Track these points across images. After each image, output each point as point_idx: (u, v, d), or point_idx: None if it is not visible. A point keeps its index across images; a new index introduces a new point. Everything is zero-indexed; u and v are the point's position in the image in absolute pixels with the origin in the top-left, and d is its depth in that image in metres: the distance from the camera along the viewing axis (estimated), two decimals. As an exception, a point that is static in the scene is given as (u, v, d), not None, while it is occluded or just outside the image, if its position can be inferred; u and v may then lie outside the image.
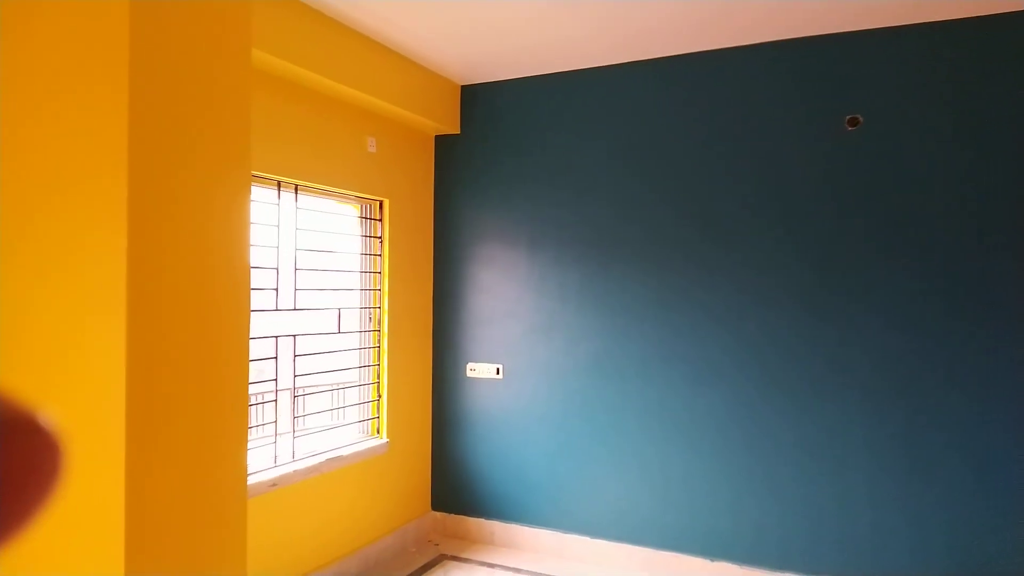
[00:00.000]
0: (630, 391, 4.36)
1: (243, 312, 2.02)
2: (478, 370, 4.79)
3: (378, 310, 4.55)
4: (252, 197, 2.36)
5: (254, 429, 3.68)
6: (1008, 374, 3.57)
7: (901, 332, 3.75)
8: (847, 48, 3.87)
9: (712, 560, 4.14)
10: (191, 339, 1.88)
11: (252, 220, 2.12)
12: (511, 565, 4.40)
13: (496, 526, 4.72)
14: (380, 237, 4.55)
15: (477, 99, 4.85)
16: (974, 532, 3.62)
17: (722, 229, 4.14)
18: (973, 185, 3.63)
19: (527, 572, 4.30)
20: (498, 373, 4.73)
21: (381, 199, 4.53)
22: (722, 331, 4.13)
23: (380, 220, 4.55)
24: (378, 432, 4.54)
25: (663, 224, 4.28)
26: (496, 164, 4.78)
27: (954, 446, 3.66)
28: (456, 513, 4.88)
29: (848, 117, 3.86)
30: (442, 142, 4.97)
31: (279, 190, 3.79)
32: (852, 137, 3.86)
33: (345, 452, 4.14)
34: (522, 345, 4.67)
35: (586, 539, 4.47)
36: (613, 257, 4.40)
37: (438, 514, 4.93)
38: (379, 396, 4.54)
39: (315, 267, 4.07)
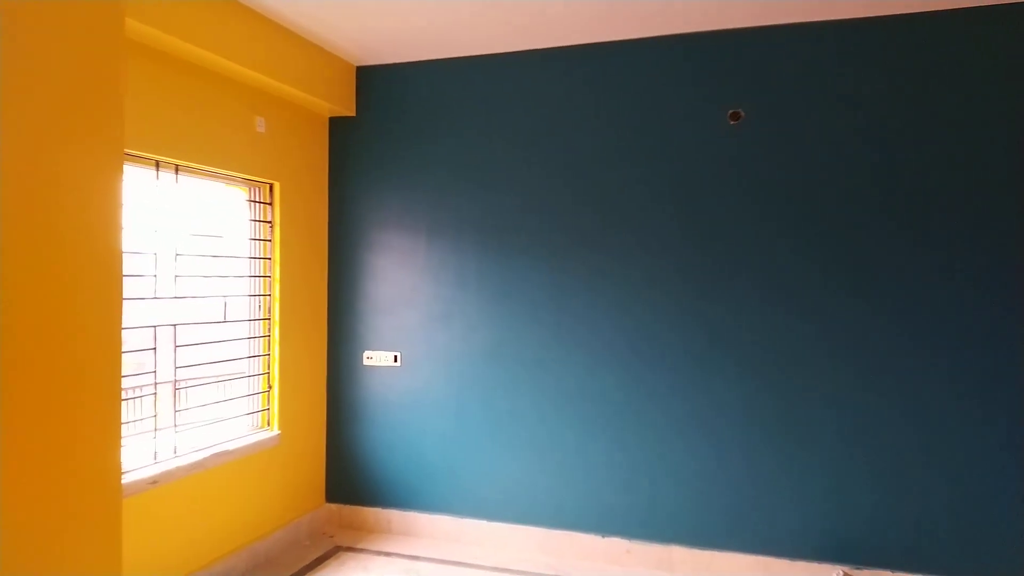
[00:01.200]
0: (527, 375, 4.39)
1: (113, 300, 1.89)
2: (375, 358, 4.71)
3: (268, 298, 4.38)
4: (126, 176, 2.21)
5: (131, 424, 3.48)
6: (883, 345, 3.81)
7: (781, 308, 3.95)
8: (732, 44, 4.01)
9: (604, 536, 4.24)
10: (54, 328, 1.74)
11: (125, 201, 1.98)
12: (408, 553, 4.36)
13: (393, 514, 4.67)
14: (270, 222, 4.38)
15: (374, 81, 4.73)
16: (852, 497, 3.86)
17: (616, 215, 4.22)
18: (847, 171, 3.84)
19: (424, 559, 4.27)
20: (396, 361, 4.66)
21: (271, 182, 4.35)
22: (616, 313, 4.22)
23: (270, 204, 4.38)
24: (269, 424, 4.39)
25: (561, 212, 4.32)
26: (394, 149, 4.68)
27: (832, 416, 3.89)
28: (352, 504, 4.79)
29: (730, 111, 4.00)
30: (337, 125, 4.82)
31: (158, 170, 3.57)
32: (735, 129, 4.00)
33: (233, 446, 3.98)
34: (420, 333, 4.61)
35: (483, 522, 4.48)
36: (512, 244, 4.41)
37: (334, 506, 4.83)
38: (270, 387, 4.38)
39: (199, 253, 3.88)
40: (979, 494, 3.68)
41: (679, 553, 4.11)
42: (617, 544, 4.23)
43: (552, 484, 4.36)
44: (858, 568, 3.83)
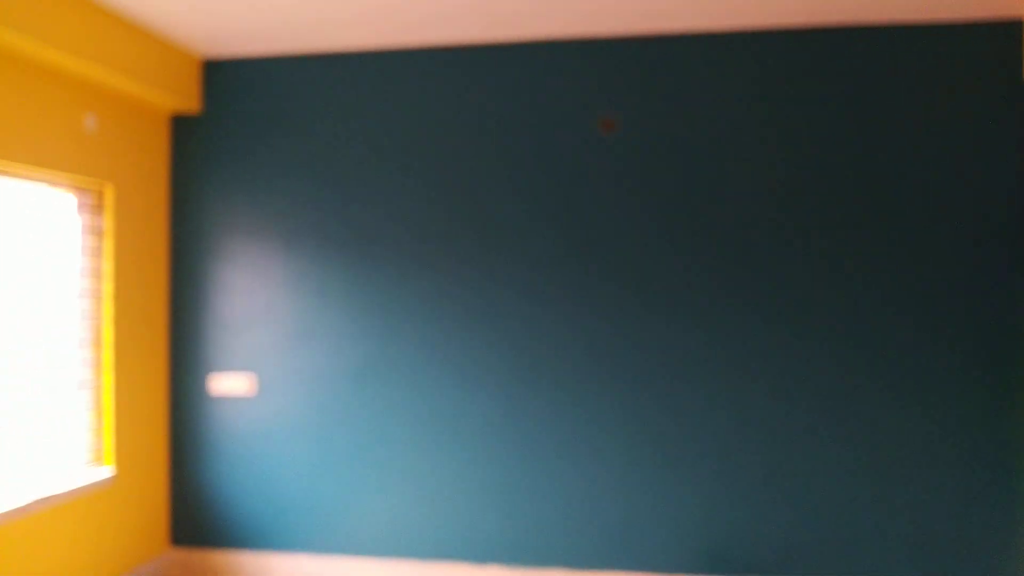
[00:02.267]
0: (397, 397, 4.11)
1: None
2: (226, 383, 4.26)
3: (98, 318, 3.85)
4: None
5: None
6: (755, 360, 3.85)
7: (659, 323, 3.91)
8: (609, 51, 3.96)
9: (482, 565, 4.03)
10: None
11: None
12: (267, 599, 3.95)
13: (248, 556, 4.23)
14: (101, 231, 3.86)
15: (224, 76, 4.31)
16: (725, 509, 3.86)
17: (492, 225, 4.05)
18: (723, 181, 3.87)
19: (286, 605, 3.88)
20: (249, 385, 4.24)
21: (102, 186, 3.84)
22: (492, 328, 4.04)
23: (101, 211, 3.86)
24: (101, 462, 3.85)
25: (433, 221, 4.10)
26: (247, 150, 4.27)
27: (705, 431, 3.88)
28: (201, 546, 4.30)
29: (605, 120, 3.94)
30: (181, 123, 4.35)
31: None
32: (611, 138, 3.95)
33: (57, 489, 3.43)
34: (277, 353, 4.22)
35: (350, 559, 4.14)
36: (380, 255, 4.13)
37: (179, 550, 4.31)
38: (101, 420, 3.84)
39: (10, 265, 3.32)
40: (842, 499, 3.78)
41: (559, 576, 3.97)
42: (496, 572, 4.02)
43: (426, 513, 4.10)
44: (734, 578, 3.85)
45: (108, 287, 3.85)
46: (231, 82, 4.30)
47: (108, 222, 3.86)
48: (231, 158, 4.29)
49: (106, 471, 3.80)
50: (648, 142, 3.93)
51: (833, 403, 3.80)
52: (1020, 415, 3.68)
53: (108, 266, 3.85)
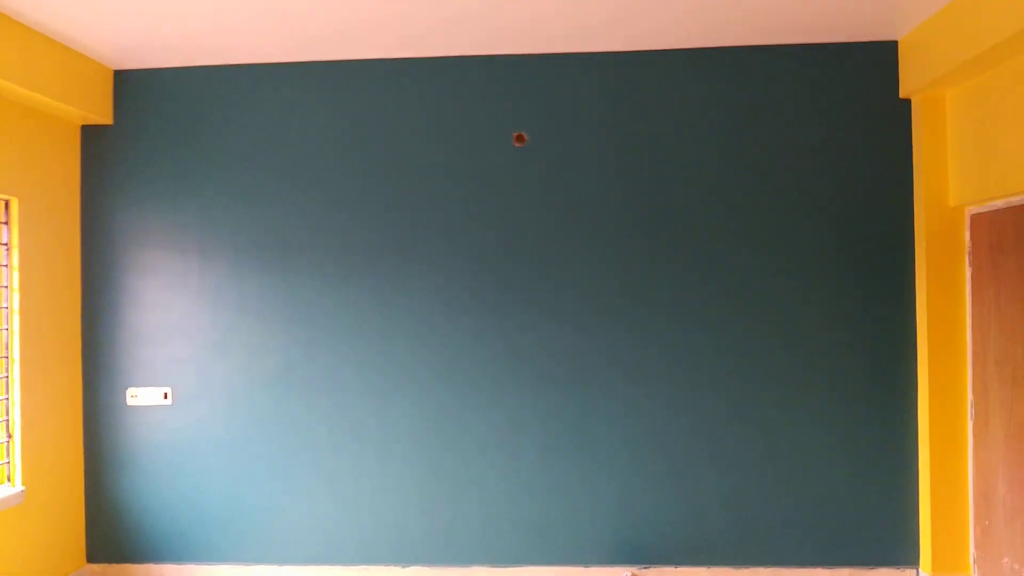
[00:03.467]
0: (318, 404, 4.15)
1: None
2: (142, 396, 4.21)
3: (6, 331, 3.77)
4: None
5: None
6: (664, 355, 4.05)
7: (572, 324, 4.07)
8: (520, 69, 4.10)
9: (405, 567, 4.10)
10: None
11: None
12: (187, 611, 3.93)
13: (168, 570, 4.19)
14: (7, 244, 3.79)
15: (136, 86, 4.27)
16: (638, 501, 4.05)
17: (410, 234, 4.14)
18: (626, 191, 4.06)
19: (206, 616, 3.87)
20: (166, 398, 4.21)
21: (7, 198, 3.77)
22: (411, 334, 4.13)
23: (6, 223, 3.79)
24: (10, 480, 3.77)
25: (350, 230, 4.15)
26: (160, 161, 4.25)
27: (619, 425, 4.06)
28: (119, 562, 4.24)
29: (515, 134, 4.09)
30: (92, 134, 4.29)
31: None
32: (520, 152, 4.09)
33: (-39, 509, 3.36)
34: (195, 364, 4.20)
35: (273, 568, 4.15)
36: (297, 264, 4.16)
37: (97, 566, 4.24)
38: (9, 436, 3.77)
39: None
40: (746, 488, 4.01)
41: (480, 573, 4.07)
42: (418, 573, 4.10)
43: (349, 518, 4.15)
44: (645, 567, 4.02)
45: (14, 301, 3.78)
46: (143, 93, 4.27)
47: (14, 235, 3.79)
48: (144, 169, 4.26)
49: (14, 489, 3.72)
50: (556, 153, 4.09)
51: (736, 397, 4.02)
52: (907, 408, 3.97)
53: (14, 280, 3.78)
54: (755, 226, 4.03)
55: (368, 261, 4.15)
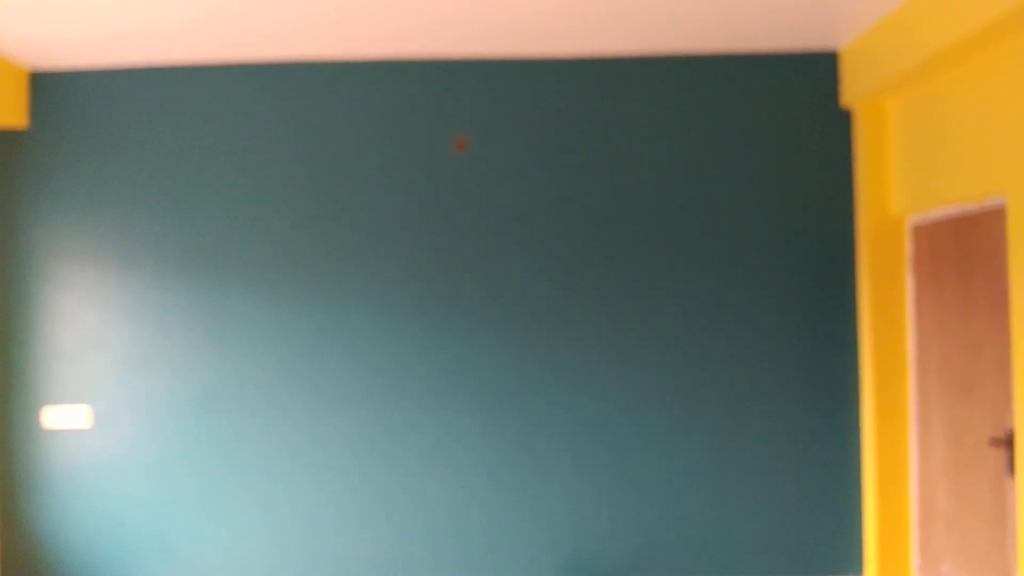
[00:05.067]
0: (247, 423, 3.97)
1: None
2: (58, 416, 3.96)
3: (-94, 350, 3.50)
4: None
5: None
6: (611, 369, 3.99)
7: (516, 338, 3.99)
8: (458, 73, 4.01)
9: (344, 593, 3.95)
10: None
11: None
12: (107, 646, 3.68)
13: (88, 601, 3.94)
14: (-93, 255, 3.51)
15: (52, 88, 4.04)
16: (587, 516, 3.97)
17: (343, 245, 4.00)
18: (567, 199, 4.00)
19: (128, 651, 3.64)
20: (84, 418, 3.96)
21: (-93, 205, 3.50)
22: (349, 349, 3.99)
23: (-93, 233, 3.52)
24: (-91, 509, 3.48)
25: (283, 241, 4.00)
26: (78, 168, 4.02)
27: (567, 440, 3.99)
28: (33, 593, 3.97)
29: (457, 139, 3.99)
30: (5, 139, 4.03)
31: None
32: (466, 159, 3.99)
33: None
34: (115, 382, 3.98)
35: (203, 597, 3.95)
36: (225, 277, 3.99)
37: (7, 600, 3.97)
38: (-91, 462, 3.49)
39: None
40: (694, 500, 3.97)
41: (422, 597, 3.94)
42: (357, 597, 3.95)
43: (283, 543, 3.97)
44: (595, 584, 3.96)
45: (-84, 316, 3.51)
46: (61, 95, 4.03)
47: (-85, 245, 3.52)
48: (62, 175, 4.02)
49: (-85, 520, 3.44)
50: (502, 160, 4.00)
51: (684, 409, 3.98)
52: (852, 418, 3.98)
53: (-84, 293, 3.51)
54: (701, 235, 4.00)
55: (303, 272, 3.99)
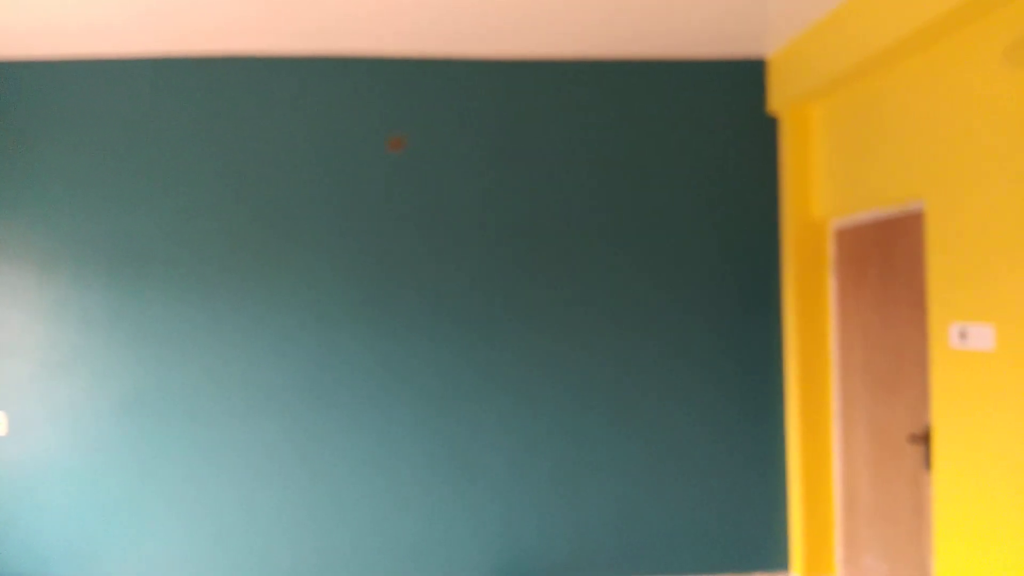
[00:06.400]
0: (174, 428, 3.86)
1: None
2: (-30, 423, 3.76)
3: None
4: None
5: None
6: (542, 375, 4.00)
7: (451, 342, 3.97)
8: (396, 72, 3.97)
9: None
10: None
11: None
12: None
13: (1, 618, 3.75)
14: None
15: (-37, 80, 3.83)
16: (521, 518, 3.98)
17: (275, 245, 3.92)
18: (503, 200, 4.00)
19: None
20: (0, 426, 3.77)
21: None
22: (277, 353, 3.91)
23: None
24: None
25: (213, 239, 3.90)
26: (-7, 163, 3.83)
27: (500, 444, 3.98)
28: (-60, 612, 3.76)
29: (393, 138, 3.94)
30: (-90, 131, 3.82)
31: None
32: (398, 158, 3.95)
33: None
34: (33, 387, 3.81)
35: (126, 610, 3.80)
36: (152, 277, 3.86)
37: (-88, 619, 3.74)
38: None
39: None
40: (628, 500, 4.02)
41: (356, 603, 3.87)
42: (288, 605, 3.86)
43: (208, 552, 3.87)
44: (530, 585, 3.97)
45: None
46: (-26, 86, 3.84)
47: None
48: (-26, 171, 3.82)
49: None
50: (433, 163, 3.98)
51: (616, 411, 4.03)
52: (779, 417, 4.09)
53: None
54: (631, 239, 4.06)
55: (231, 274, 3.89)
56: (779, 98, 3.99)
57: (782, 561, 4.07)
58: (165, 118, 3.89)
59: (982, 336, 2.78)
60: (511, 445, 3.98)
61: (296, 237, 3.92)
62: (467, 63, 4.00)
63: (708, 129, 4.09)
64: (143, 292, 3.85)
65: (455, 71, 4.00)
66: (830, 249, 4.00)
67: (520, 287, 3.99)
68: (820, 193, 3.97)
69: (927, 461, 3.19)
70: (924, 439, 3.22)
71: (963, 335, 2.88)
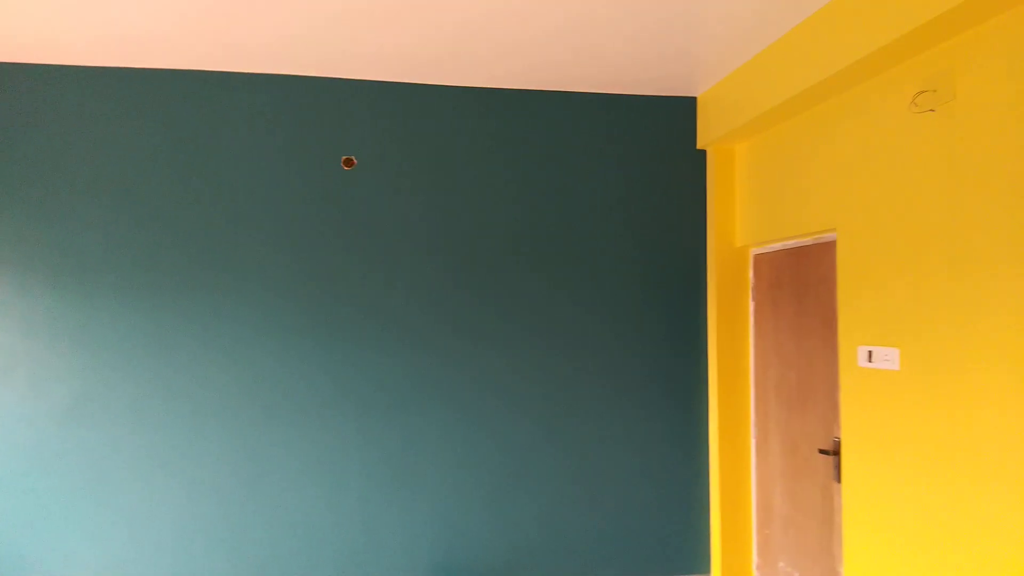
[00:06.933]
0: (119, 438, 3.80)
1: None
2: None
3: None
4: None
5: None
6: (480, 386, 4.12)
7: (394, 353, 4.05)
8: (344, 93, 4.05)
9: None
10: None
11: None
12: None
13: (-88, 637, 3.55)
14: None
15: None
16: (457, 526, 4.07)
17: (225, 255, 3.93)
18: (444, 230, 4.12)
19: None
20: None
21: None
22: (225, 361, 3.90)
23: None
24: None
25: (159, 247, 3.87)
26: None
27: (438, 452, 4.07)
28: None
29: (343, 158, 4.01)
30: None
31: None
32: (348, 176, 4.01)
33: None
34: (-37, 394, 3.65)
35: (51, 625, 3.66)
36: (97, 283, 3.80)
37: None
38: None
39: None
40: (559, 505, 4.17)
41: (291, 615, 3.86)
42: (223, 617, 3.81)
43: (151, 562, 3.80)
44: (465, 594, 4.04)
45: None
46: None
47: None
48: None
49: None
50: (379, 182, 4.06)
51: (548, 424, 4.18)
52: (701, 430, 4.33)
53: None
54: (564, 260, 4.24)
55: (179, 281, 3.87)
56: (707, 134, 4.27)
57: (704, 566, 4.28)
58: (111, 127, 3.85)
59: (888, 357, 3.03)
60: (448, 456, 4.07)
61: (244, 248, 3.93)
62: (414, 87, 4.11)
63: (642, 161, 4.33)
64: (88, 299, 3.77)
65: (401, 94, 4.10)
66: (750, 275, 4.28)
67: (458, 305, 4.11)
68: (742, 223, 4.25)
69: (836, 473, 3.45)
70: (834, 452, 3.48)
71: (870, 356, 3.14)
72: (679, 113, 4.38)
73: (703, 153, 4.41)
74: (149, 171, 3.87)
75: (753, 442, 4.23)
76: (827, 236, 3.57)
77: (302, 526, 3.93)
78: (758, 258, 4.21)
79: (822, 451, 3.55)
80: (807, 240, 3.74)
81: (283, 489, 3.92)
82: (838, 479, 3.42)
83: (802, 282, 3.80)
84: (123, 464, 3.79)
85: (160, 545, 3.80)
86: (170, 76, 3.90)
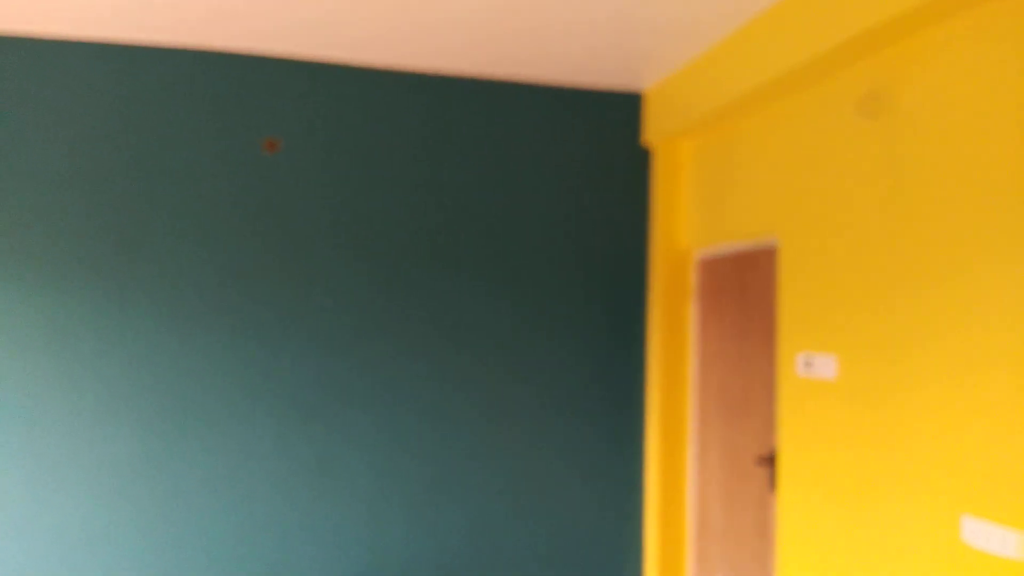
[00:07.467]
0: (8, 441, 3.51)
1: None
2: None
3: None
4: None
5: None
6: (411, 389, 3.94)
7: (318, 352, 3.84)
8: (269, 72, 3.83)
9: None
10: None
11: None
12: None
13: None
14: None
15: None
16: (386, 536, 3.88)
17: (134, 238, 3.67)
18: (374, 212, 3.94)
19: None
20: None
21: None
22: (132, 355, 3.64)
23: None
24: None
25: (56, 232, 3.59)
26: None
27: (358, 461, 3.88)
28: None
29: (266, 140, 3.80)
30: None
31: None
32: (270, 160, 3.81)
33: None
34: None
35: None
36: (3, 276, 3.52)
37: None
38: None
39: None
40: (493, 517, 4.01)
41: (200, 630, 3.64)
42: (124, 633, 3.57)
43: (51, 572, 3.51)
44: (389, 609, 3.87)
45: None
46: None
47: None
48: None
49: None
50: (309, 164, 3.86)
51: (482, 432, 4.02)
52: (639, 438, 4.22)
53: None
54: (496, 262, 4.07)
55: (82, 269, 3.60)
56: (652, 131, 4.16)
57: (638, 575, 4.19)
58: (14, 100, 3.57)
59: (825, 365, 2.98)
60: (373, 464, 3.89)
61: (159, 232, 3.67)
62: (338, 68, 3.89)
63: (582, 157, 4.19)
64: (-24, 288, 3.50)
65: (325, 75, 3.89)
66: (693, 278, 4.19)
67: (380, 306, 3.91)
68: (686, 224, 4.16)
69: (772, 483, 3.38)
70: (770, 462, 3.41)
71: (808, 364, 3.07)
72: (624, 108, 4.25)
73: (648, 151, 4.29)
74: (50, 153, 3.59)
75: (692, 450, 4.13)
76: (769, 240, 3.49)
77: (217, 534, 3.70)
78: (702, 261, 4.11)
79: (761, 460, 3.48)
80: (750, 244, 3.66)
81: (196, 495, 3.68)
82: (773, 489, 3.35)
83: (745, 286, 3.72)
84: (13, 470, 3.49)
85: (62, 558, 3.53)
86: (70, 48, 3.62)
